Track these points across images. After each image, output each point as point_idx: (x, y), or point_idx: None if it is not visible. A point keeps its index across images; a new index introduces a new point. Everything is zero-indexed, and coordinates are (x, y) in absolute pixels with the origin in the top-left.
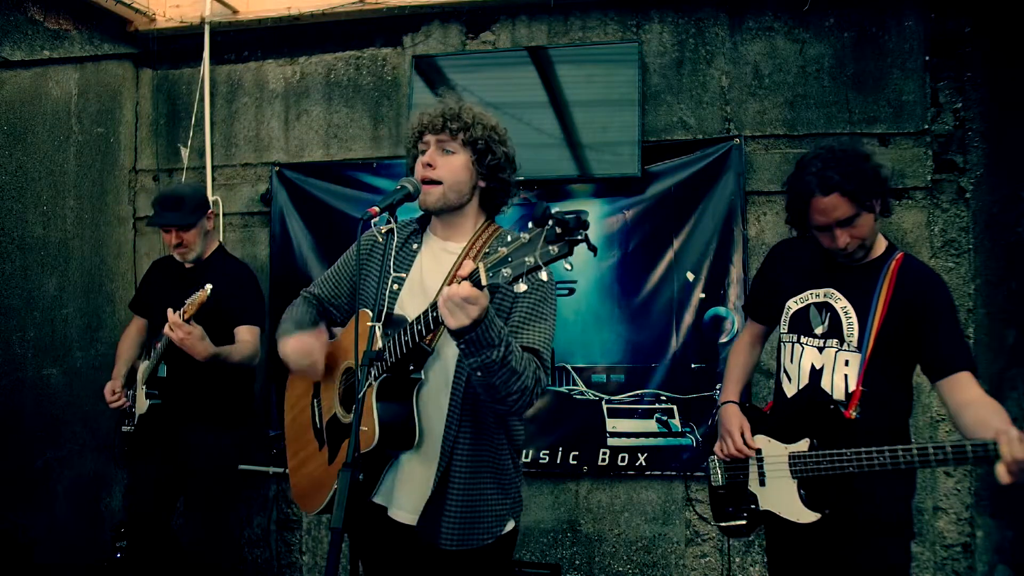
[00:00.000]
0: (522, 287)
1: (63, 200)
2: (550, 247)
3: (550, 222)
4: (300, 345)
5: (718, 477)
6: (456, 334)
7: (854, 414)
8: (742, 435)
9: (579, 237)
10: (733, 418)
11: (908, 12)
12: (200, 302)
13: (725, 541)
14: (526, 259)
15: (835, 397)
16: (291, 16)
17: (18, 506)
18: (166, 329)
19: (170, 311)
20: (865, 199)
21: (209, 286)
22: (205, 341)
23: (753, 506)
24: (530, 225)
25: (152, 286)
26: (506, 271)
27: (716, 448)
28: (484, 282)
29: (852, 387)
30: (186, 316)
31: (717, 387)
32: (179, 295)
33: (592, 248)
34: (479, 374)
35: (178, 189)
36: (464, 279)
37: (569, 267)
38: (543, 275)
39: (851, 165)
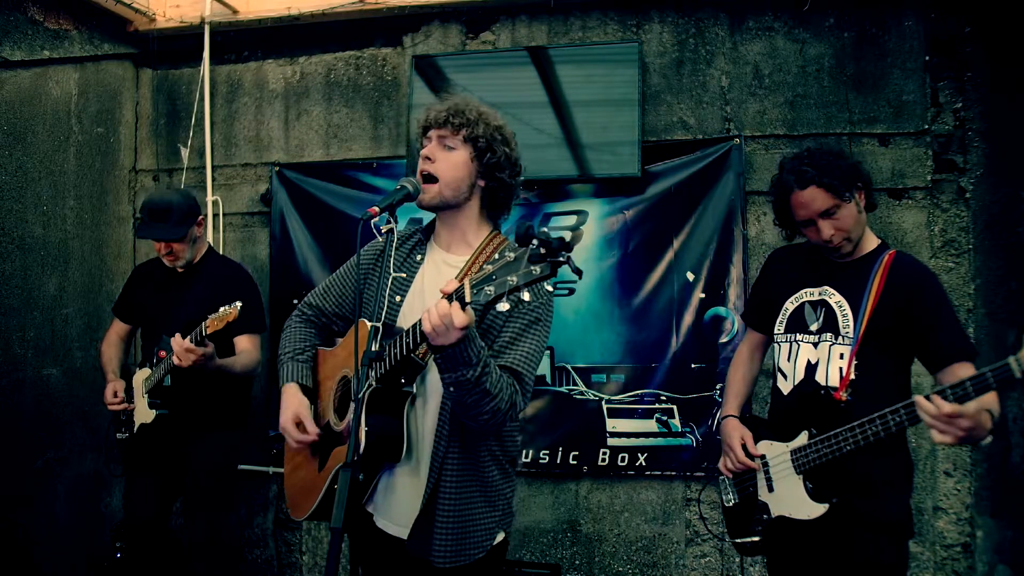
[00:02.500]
0: (504, 307)
1: (63, 200)
2: (532, 268)
3: (533, 242)
4: (293, 416)
5: (730, 496)
6: (435, 348)
7: (844, 395)
8: (744, 447)
9: (561, 259)
10: (733, 432)
11: (908, 12)
12: (228, 320)
13: (725, 541)
14: (508, 279)
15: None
16: (291, 16)
17: (18, 506)
18: (176, 359)
19: (177, 337)
20: (842, 190)
21: (239, 304)
22: (214, 359)
23: (766, 516)
24: (515, 244)
25: (140, 290)
26: (488, 289)
27: (720, 465)
28: (468, 299)
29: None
30: (208, 331)
31: (717, 387)
32: (171, 299)
33: (576, 271)
34: (451, 389)
35: (166, 197)
36: (449, 295)
37: (551, 288)
38: (525, 295)
39: (825, 159)
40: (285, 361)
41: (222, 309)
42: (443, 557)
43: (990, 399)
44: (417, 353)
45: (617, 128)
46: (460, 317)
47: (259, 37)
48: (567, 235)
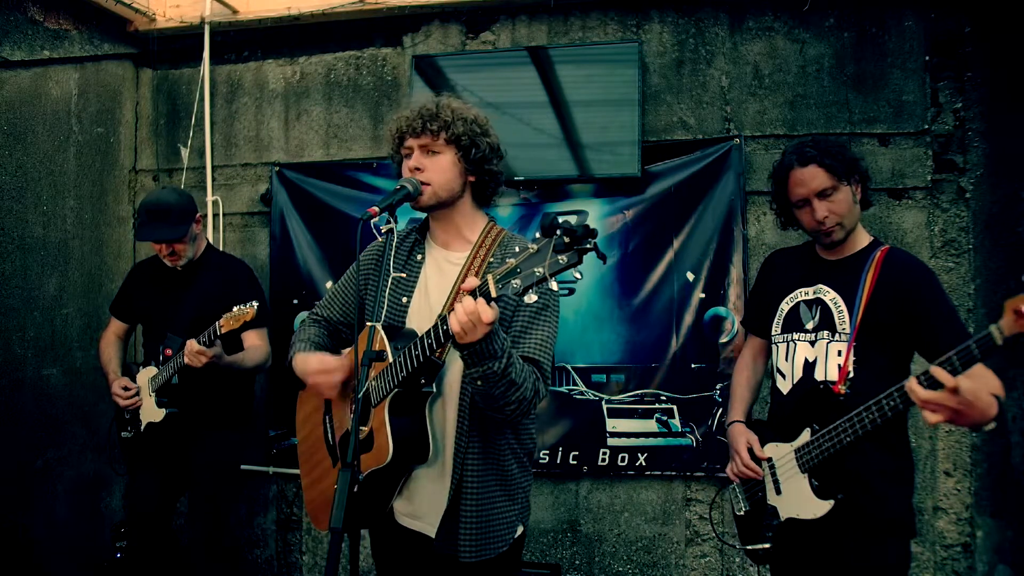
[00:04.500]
0: (532, 298)
1: (63, 200)
2: (559, 257)
3: (558, 232)
4: (321, 363)
5: (741, 504)
6: (460, 346)
7: (843, 388)
8: (750, 451)
9: (588, 246)
10: (739, 436)
11: (908, 12)
12: (244, 320)
13: (726, 543)
14: (536, 270)
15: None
16: (291, 16)
17: (18, 506)
18: (187, 361)
19: (192, 342)
20: (841, 172)
21: (255, 303)
22: (223, 358)
23: (775, 521)
24: (537, 235)
25: (139, 289)
26: (516, 282)
27: (728, 470)
28: (494, 294)
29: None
30: (223, 330)
31: (717, 387)
32: (174, 297)
33: (601, 256)
34: (479, 383)
35: (163, 198)
36: (472, 291)
37: (579, 276)
38: (553, 285)
39: (828, 144)
40: (298, 342)
41: (237, 309)
42: (468, 551)
43: (993, 381)
44: (436, 353)
45: (617, 128)
46: (487, 313)
47: (259, 37)
48: (583, 216)
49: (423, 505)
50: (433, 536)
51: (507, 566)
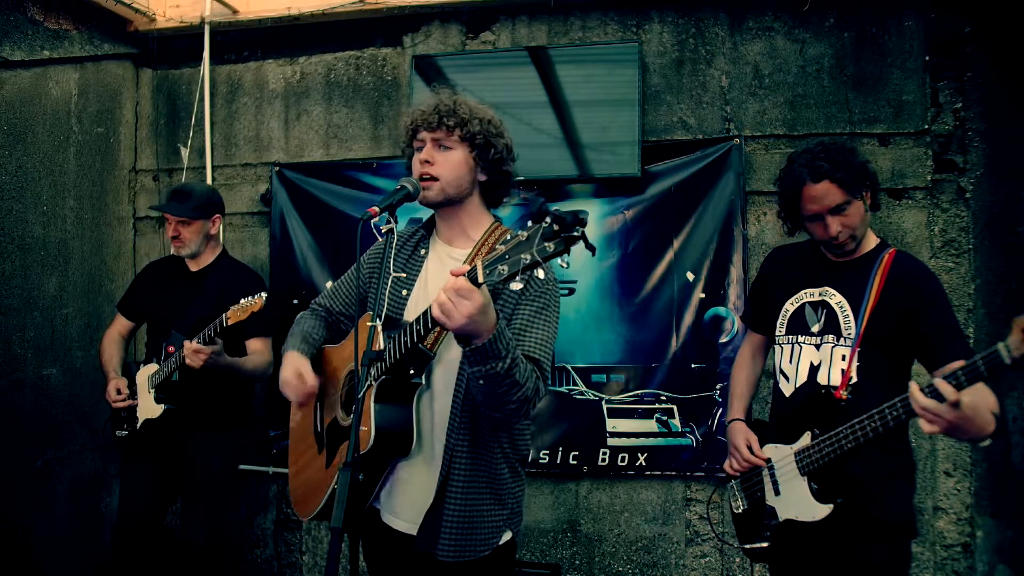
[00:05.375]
0: (517, 285)
1: (63, 200)
2: (546, 244)
3: (547, 219)
4: (297, 372)
5: (739, 502)
6: (462, 340)
7: (844, 394)
8: (749, 448)
9: (576, 234)
10: (739, 434)
11: (908, 12)
12: (252, 311)
13: (726, 542)
14: (522, 256)
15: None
16: (291, 16)
17: (18, 506)
18: (187, 360)
19: (187, 343)
20: (854, 187)
21: (264, 294)
22: (222, 357)
23: (774, 521)
24: (528, 223)
25: (149, 288)
26: (502, 267)
27: (726, 466)
28: (481, 279)
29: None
30: (230, 321)
31: (717, 387)
32: (183, 297)
33: (590, 247)
34: (481, 382)
35: (192, 184)
36: (460, 275)
37: (565, 265)
38: (540, 273)
39: (839, 155)
40: (292, 335)
41: (244, 300)
42: (448, 551)
43: (991, 399)
44: (425, 343)
45: (617, 128)
46: (470, 292)
47: (259, 37)
48: (581, 213)
49: (406, 502)
50: (414, 534)
51: (491, 572)
